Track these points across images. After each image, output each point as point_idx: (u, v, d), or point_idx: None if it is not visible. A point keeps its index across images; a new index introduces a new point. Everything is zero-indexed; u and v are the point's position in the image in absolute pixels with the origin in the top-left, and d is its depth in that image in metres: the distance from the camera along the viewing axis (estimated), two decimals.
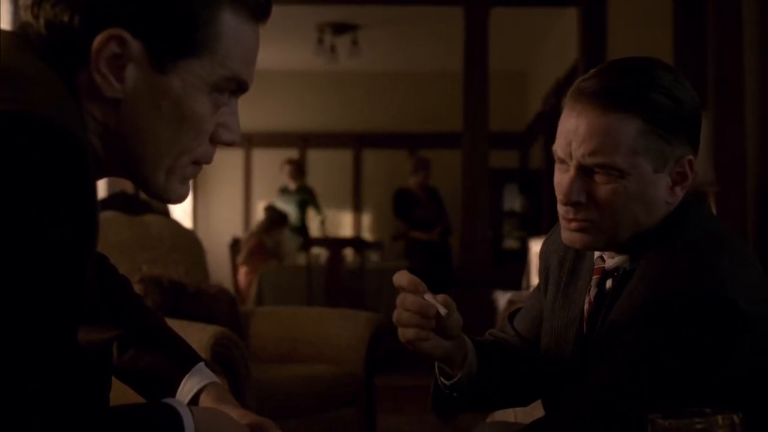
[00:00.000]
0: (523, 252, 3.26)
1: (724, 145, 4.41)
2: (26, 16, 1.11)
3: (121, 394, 1.42)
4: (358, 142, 11.64)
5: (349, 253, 7.71)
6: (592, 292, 1.64)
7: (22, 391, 0.94)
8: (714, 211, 4.52)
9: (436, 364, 1.71)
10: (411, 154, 11.55)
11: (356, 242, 8.03)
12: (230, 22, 1.14)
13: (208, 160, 1.21)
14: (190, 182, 1.23)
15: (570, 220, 1.57)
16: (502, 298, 3.91)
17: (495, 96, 6.34)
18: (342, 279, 7.24)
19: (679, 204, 1.57)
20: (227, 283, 7.66)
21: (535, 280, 1.84)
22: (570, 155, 1.53)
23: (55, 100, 1.03)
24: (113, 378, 1.44)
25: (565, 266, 1.74)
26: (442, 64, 10.26)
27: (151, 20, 1.09)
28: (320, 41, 9.39)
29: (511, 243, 10.58)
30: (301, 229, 9.22)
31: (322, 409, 3.59)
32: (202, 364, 1.48)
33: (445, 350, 1.62)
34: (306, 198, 9.43)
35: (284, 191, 9.40)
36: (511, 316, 1.90)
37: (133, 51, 1.09)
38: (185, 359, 1.48)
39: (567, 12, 7.84)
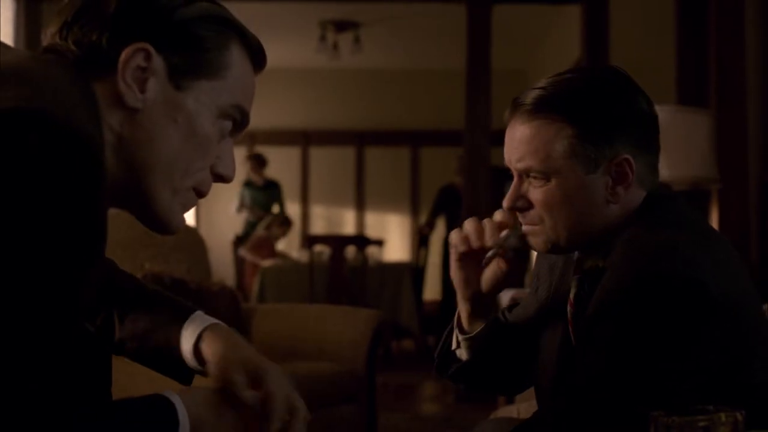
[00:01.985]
0: (525, 249, 3.27)
1: (726, 143, 4.41)
2: (52, 41, 1.19)
3: (123, 386, 1.42)
4: (360, 139, 11.64)
5: (351, 250, 7.71)
6: (572, 293, 1.68)
7: (22, 384, 0.96)
8: (717, 208, 4.53)
9: (455, 318, 1.80)
10: (413, 151, 11.56)
11: (358, 240, 8.03)
12: (237, 55, 1.25)
13: (206, 190, 1.28)
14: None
15: (521, 225, 1.66)
16: (505, 296, 3.90)
17: (496, 94, 6.33)
18: (344, 276, 7.24)
19: (647, 199, 1.61)
20: (230, 281, 7.67)
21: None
22: (510, 163, 1.63)
23: (77, 105, 1.08)
24: (118, 370, 1.44)
25: (556, 272, 1.79)
26: (444, 61, 10.26)
27: (172, 39, 1.19)
28: (323, 38, 9.39)
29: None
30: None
31: (323, 406, 3.59)
32: (199, 312, 1.46)
33: (468, 286, 1.74)
34: (275, 193, 9.57)
35: (249, 185, 9.53)
36: (509, 308, 1.94)
37: (156, 65, 1.18)
38: (180, 311, 1.45)
39: (568, 9, 7.83)
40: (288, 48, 10.35)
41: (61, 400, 0.99)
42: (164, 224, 1.25)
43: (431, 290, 9.47)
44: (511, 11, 7.59)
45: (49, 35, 1.20)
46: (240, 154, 11.15)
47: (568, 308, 1.67)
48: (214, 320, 1.43)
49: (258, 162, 9.51)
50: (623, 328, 1.44)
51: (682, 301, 1.41)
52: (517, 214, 1.65)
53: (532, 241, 1.65)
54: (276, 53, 10.41)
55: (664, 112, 3.54)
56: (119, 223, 3.78)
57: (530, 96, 1.59)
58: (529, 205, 1.61)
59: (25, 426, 0.96)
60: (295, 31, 9.63)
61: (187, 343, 1.40)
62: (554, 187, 1.57)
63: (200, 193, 1.27)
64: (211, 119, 1.22)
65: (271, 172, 9.81)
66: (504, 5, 6.77)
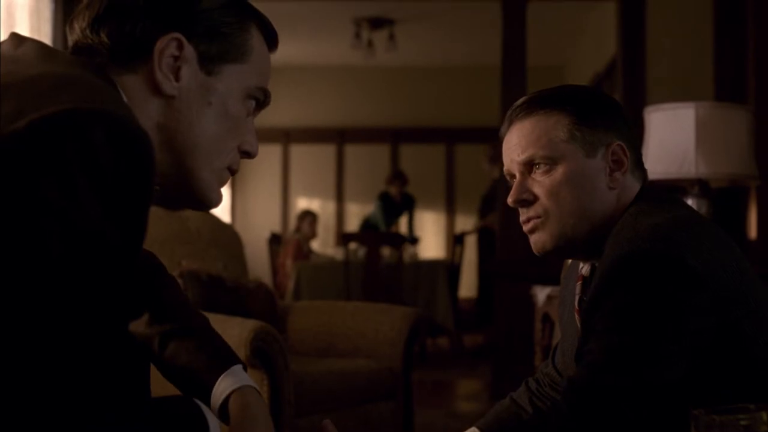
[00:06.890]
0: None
1: (765, 139, 4.36)
2: (82, 36, 1.23)
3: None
4: (395, 136, 11.64)
5: (386, 248, 7.71)
6: (576, 299, 1.73)
7: (56, 374, 0.99)
8: (755, 205, 4.49)
9: None
10: (448, 149, 11.54)
11: (394, 237, 8.03)
12: (257, 39, 1.32)
13: (237, 167, 1.35)
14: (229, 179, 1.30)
15: (525, 223, 1.70)
16: (541, 293, 3.89)
17: (532, 90, 6.32)
18: (379, 274, 7.24)
19: (639, 193, 1.67)
20: (266, 278, 7.69)
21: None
22: (512, 163, 1.70)
23: (123, 104, 1.12)
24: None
25: (576, 295, 1.81)
26: (480, 58, 10.23)
27: (199, 28, 1.25)
28: (357, 36, 9.41)
29: None
30: None
31: (360, 403, 3.60)
32: (238, 366, 1.50)
33: None
34: (409, 207, 9.47)
35: (386, 198, 9.39)
36: (554, 353, 1.97)
37: (188, 53, 1.24)
38: (223, 360, 1.50)
39: (605, 5, 7.78)
40: (323, 46, 10.37)
41: (92, 397, 1.01)
42: (205, 202, 1.30)
43: (467, 288, 9.45)
44: (546, 7, 7.57)
45: (77, 29, 1.24)
46: (276, 152, 11.19)
47: (576, 316, 1.71)
48: (248, 381, 1.49)
49: (400, 175, 9.41)
50: (614, 314, 1.47)
51: (660, 274, 1.44)
52: (521, 211, 1.70)
53: (538, 238, 1.68)
54: (311, 51, 10.48)
55: (702, 108, 3.51)
56: (156, 220, 3.81)
57: (523, 100, 1.72)
58: (534, 198, 1.67)
59: (52, 421, 0.97)
60: (330, 28, 9.65)
61: (218, 395, 1.47)
62: (559, 173, 1.64)
63: (232, 171, 1.33)
64: (239, 100, 1.30)
65: (306, 169, 9.81)
66: (539, 1, 6.74)
